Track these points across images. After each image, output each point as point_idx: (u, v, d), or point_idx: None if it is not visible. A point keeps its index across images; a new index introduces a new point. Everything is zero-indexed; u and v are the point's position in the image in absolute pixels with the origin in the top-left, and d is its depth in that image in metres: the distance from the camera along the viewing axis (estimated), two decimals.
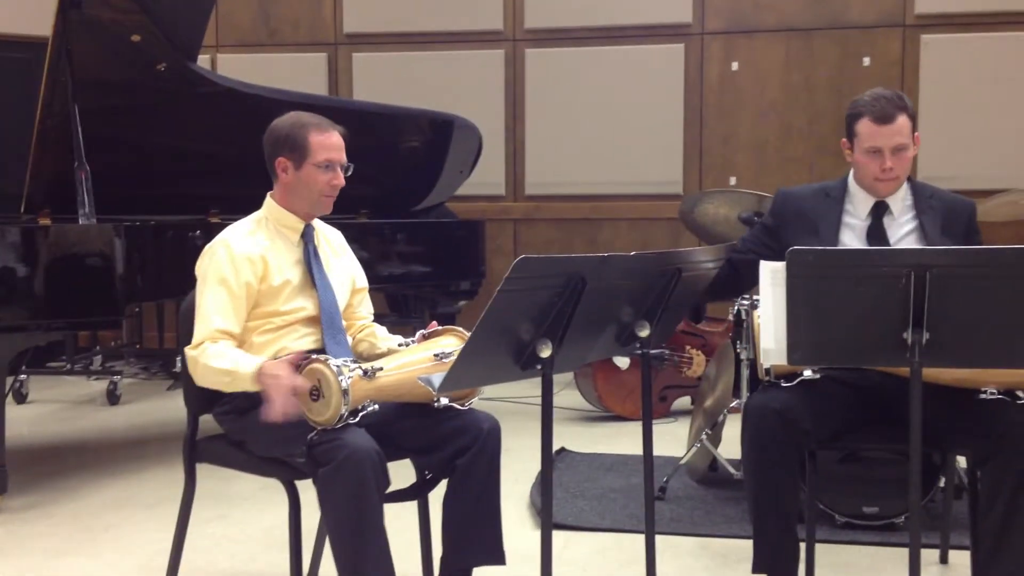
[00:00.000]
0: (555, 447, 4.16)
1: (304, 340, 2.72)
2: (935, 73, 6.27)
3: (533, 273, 2.03)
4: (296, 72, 6.71)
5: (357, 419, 2.42)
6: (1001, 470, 2.50)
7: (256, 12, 7.06)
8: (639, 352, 2.54)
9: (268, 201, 2.80)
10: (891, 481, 3.36)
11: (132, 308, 5.84)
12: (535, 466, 3.89)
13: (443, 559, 2.66)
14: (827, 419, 2.66)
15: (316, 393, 2.40)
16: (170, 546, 2.80)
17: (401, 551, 2.54)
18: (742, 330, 3.74)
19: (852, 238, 2.85)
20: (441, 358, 2.54)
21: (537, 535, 2.46)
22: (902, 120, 2.74)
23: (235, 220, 2.80)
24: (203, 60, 5.45)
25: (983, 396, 2.52)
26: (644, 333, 2.47)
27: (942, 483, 3.27)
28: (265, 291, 2.68)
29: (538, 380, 2.16)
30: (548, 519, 2.19)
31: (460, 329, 2.67)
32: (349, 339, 2.82)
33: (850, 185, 2.89)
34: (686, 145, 6.62)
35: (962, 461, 3.29)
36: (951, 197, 2.91)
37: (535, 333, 2.11)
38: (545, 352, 2.12)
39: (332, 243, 2.90)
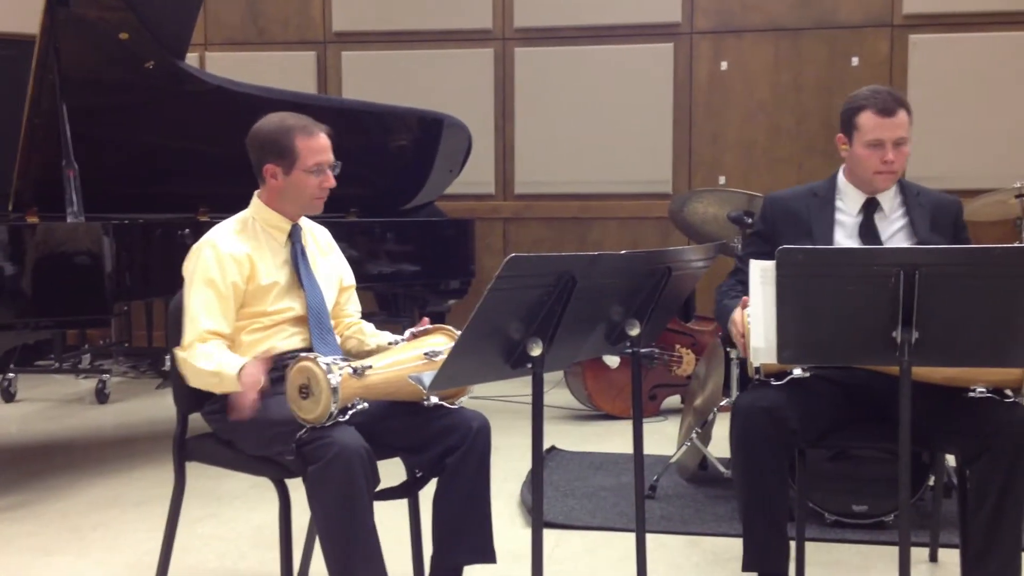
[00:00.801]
0: (545, 446, 4.15)
1: (292, 339, 2.71)
2: (923, 73, 6.28)
3: (523, 272, 2.03)
4: (285, 70, 6.69)
5: (346, 417, 2.41)
6: (990, 468, 2.51)
7: (245, 10, 7.04)
8: (629, 351, 2.55)
9: (255, 201, 2.78)
10: (880, 480, 3.37)
11: (121, 306, 5.85)
12: (525, 465, 3.89)
13: (433, 558, 2.65)
14: (816, 418, 2.67)
15: (305, 391, 2.39)
16: (159, 545, 2.78)
17: (392, 550, 2.53)
18: None
19: (844, 235, 2.87)
20: (431, 357, 2.54)
21: (527, 533, 2.46)
22: (903, 114, 2.78)
23: (224, 218, 2.78)
24: (191, 58, 5.42)
25: (972, 395, 2.53)
26: (634, 332, 2.48)
27: (931, 482, 3.28)
28: (252, 291, 2.67)
29: (528, 379, 2.17)
30: (539, 518, 2.19)
31: (450, 328, 2.66)
32: (337, 338, 2.81)
33: (840, 183, 2.91)
34: (675, 144, 6.63)
35: (951, 460, 3.29)
36: (937, 195, 2.94)
37: (525, 332, 2.11)
38: (535, 351, 2.12)
39: (319, 241, 2.88)
